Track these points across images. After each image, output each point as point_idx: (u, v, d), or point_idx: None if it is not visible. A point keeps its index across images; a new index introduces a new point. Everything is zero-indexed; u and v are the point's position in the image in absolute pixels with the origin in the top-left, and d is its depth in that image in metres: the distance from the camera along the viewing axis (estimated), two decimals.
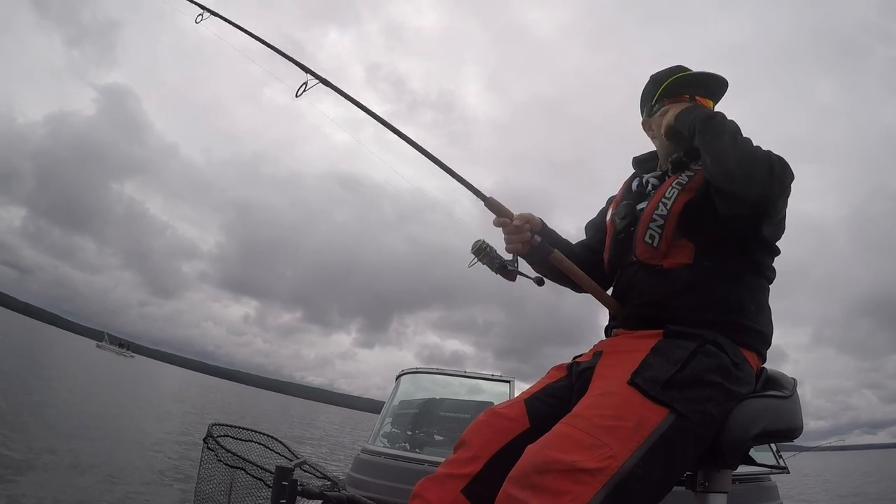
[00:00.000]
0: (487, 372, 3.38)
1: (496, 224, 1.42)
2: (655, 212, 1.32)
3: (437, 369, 3.62)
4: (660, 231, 1.30)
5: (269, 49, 1.84)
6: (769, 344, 1.26)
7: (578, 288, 1.48)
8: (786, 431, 1.15)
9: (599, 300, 1.42)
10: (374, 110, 1.66)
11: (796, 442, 1.38)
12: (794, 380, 1.23)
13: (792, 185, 1.17)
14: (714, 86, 1.44)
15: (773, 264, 1.33)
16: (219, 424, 2.02)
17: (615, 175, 1.65)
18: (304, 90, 1.69)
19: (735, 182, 1.17)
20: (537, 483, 0.92)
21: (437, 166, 1.51)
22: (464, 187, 1.44)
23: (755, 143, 1.19)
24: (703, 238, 1.28)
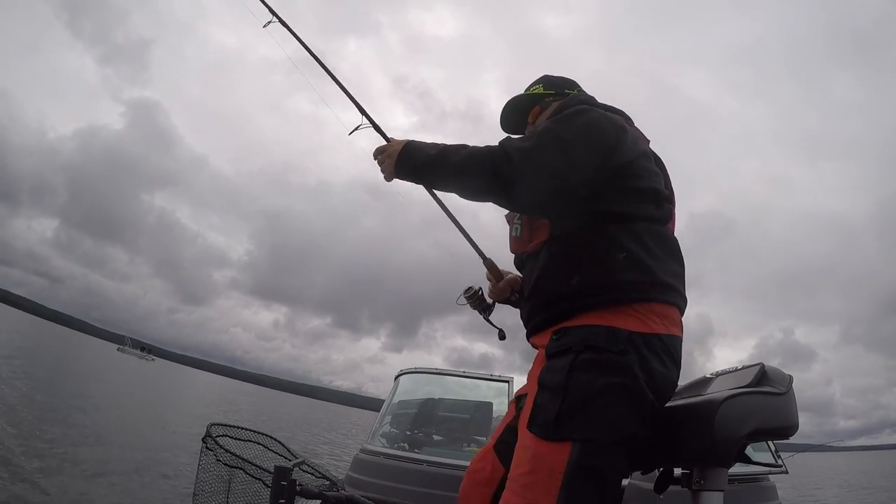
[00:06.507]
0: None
1: (487, 277, 1.68)
2: None
3: (436, 369, 3.61)
4: (520, 221, 1.37)
5: (317, 69, 1.92)
6: (662, 282, 1.18)
7: None
8: (780, 429, 1.14)
9: None
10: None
11: (793, 441, 1.37)
12: (789, 376, 1.22)
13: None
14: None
15: (653, 200, 1.24)
16: (217, 424, 2.01)
17: None
18: (356, 130, 1.81)
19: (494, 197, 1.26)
20: None
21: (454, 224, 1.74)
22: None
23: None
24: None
